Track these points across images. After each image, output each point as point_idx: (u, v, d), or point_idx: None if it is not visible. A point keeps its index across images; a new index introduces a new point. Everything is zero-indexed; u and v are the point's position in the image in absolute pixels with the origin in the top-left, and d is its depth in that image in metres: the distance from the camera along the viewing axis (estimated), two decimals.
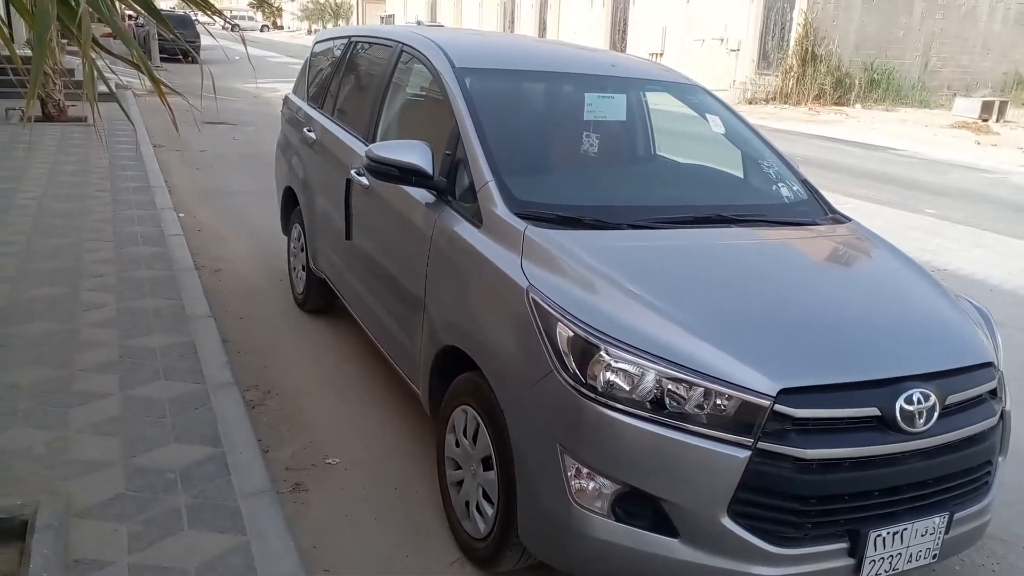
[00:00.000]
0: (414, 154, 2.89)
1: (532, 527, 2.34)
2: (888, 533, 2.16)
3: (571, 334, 2.19)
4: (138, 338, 4.02)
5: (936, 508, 2.25)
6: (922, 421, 2.15)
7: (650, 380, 2.09)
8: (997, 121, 18.85)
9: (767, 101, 21.54)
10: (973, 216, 9.01)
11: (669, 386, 2.08)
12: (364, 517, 2.93)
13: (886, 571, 2.20)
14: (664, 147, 4.00)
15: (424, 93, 3.65)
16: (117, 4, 2.23)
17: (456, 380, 2.75)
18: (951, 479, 2.28)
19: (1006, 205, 9.85)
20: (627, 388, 2.10)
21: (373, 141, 3.67)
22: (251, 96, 15.80)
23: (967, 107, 19.41)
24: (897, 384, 2.17)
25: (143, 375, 3.62)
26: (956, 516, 2.29)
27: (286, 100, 5.41)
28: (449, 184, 2.96)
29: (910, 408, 2.14)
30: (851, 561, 2.15)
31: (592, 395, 2.12)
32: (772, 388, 2.05)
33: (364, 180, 3.55)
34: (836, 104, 21.32)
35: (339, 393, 3.88)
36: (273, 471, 3.11)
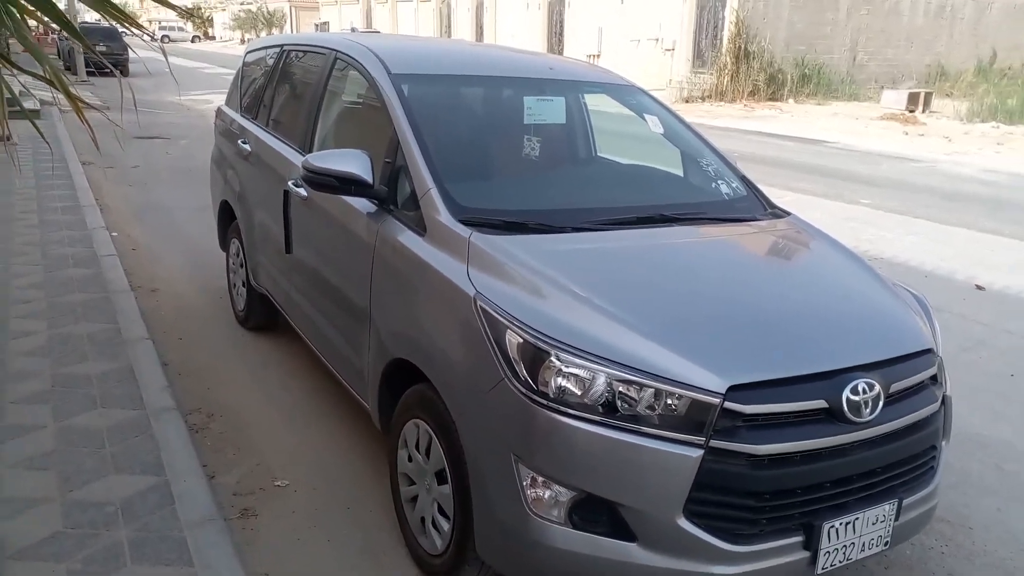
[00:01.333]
0: (352, 163, 2.83)
1: (489, 540, 2.30)
2: (841, 524, 2.18)
3: (521, 340, 2.16)
4: (72, 365, 3.85)
5: (885, 496, 2.29)
6: (868, 411, 2.18)
7: (601, 383, 2.07)
8: (923, 112, 19.50)
9: (703, 99, 21.91)
10: (905, 205, 9.29)
11: (620, 388, 2.07)
12: (317, 539, 2.85)
13: (840, 561, 2.22)
14: (605, 148, 4.01)
15: (361, 101, 3.58)
16: (28, 18, 2.12)
17: (406, 393, 2.70)
18: (898, 466, 2.32)
19: (936, 193, 10.17)
20: (578, 393, 2.08)
21: (310, 151, 3.58)
22: (184, 108, 15.43)
23: (894, 99, 20.03)
24: (842, 375, 2.19)
25: (78, 404, 3.47)
26: (905, 502, 2.33)
27: (219, 112, 5.28)
28: (390, 193, 2.90)
29: (856, 398, 2.16)
30: (807, 554, 2.16)
31: (544, 402, 2.09)
32: (721, 385, 2.05)
33: (302, 191, 3.47)
34: (770, 100, 21.79)
35: (286, 412, 3.78)
36: (220, 497, 3.00)
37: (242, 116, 4.75)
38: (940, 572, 2.86)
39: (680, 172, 3.48)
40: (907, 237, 7.72)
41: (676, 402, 2.05)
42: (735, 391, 2.05)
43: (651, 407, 2.06)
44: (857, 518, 2.21)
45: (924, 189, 10.40)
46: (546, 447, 2.10)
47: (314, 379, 4.07)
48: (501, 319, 2.22)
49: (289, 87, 4.33)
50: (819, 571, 2.19)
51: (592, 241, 2.67)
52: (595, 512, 2.10)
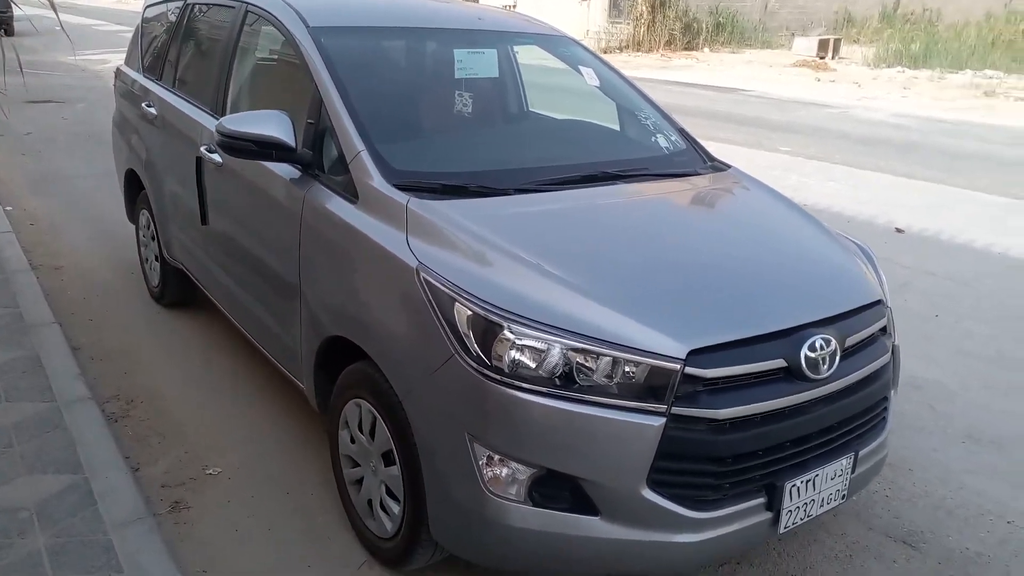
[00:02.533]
0: (272, 125, 2.61)
1: (444, 522, 2.19)
2: (801, 482, 2.15)
3: (470, 313, 2.02)
4: None
5: (842, 450, 2.27)
6: (826, 367, 2.14)
7: (556, 354, 1.96)
8: (833, 58, 19.96)
9: (620, 49, 21.85)
10: (823, 151, 9.47)
11: (577, 359, 1.96)
12: (256, 529, 2.68)
13: (801, 519, 2.20)
14: (538, 104, 3.86)
15: (276, 57, 3.33)
16: None
17: (344, 372, 2.54)
18: (854, 420, 2.30)
19: (850, 138, 10.41)
20: (533, 365, 1.96)
21: (223, 114, 3.33)
22: (79, 69, 14.43)
23: (805, 46, 20.43)
24: (799, 332, 2.14)
25: None
26: (860, 454, 2.32)
27: (118, 72, 4.88)
28: (316, 156, 2.70)
29: (813, 355, 2.12)
30: (769, 515, 2.13)
31: (498, 377, 1.97)
32: (681, 350, 1.97)
33: (216, 157, 3.21)
34: (686, 49, 21.91)
35: (212, 393, 3.55)
36: (147, 491, 2.80)
37: (145, 76, 4.40)
38: (886, 516, 2.90)
39: (617, 126, 3.36)
40: (827, 183, 7.87)
41: (634, 370, 1.97)
42: (695, 355, 1.97)
43: (608, 376, 1.97)
44: (817, 475, 2.19)
45: (839, 135, 10.63)
46: (502, 424, 1.98)
47: (240, 356, 3.85)
48: (448, 291, 2.07)
49: (196, 44, 4.00)
50: (781, 530, 2.17)
51: (536, 203, 2.54)
52: (556, 488, 2.01)
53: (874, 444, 2.39)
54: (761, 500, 2.12)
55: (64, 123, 9.73)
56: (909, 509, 2.94)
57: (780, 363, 2.09)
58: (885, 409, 2.47)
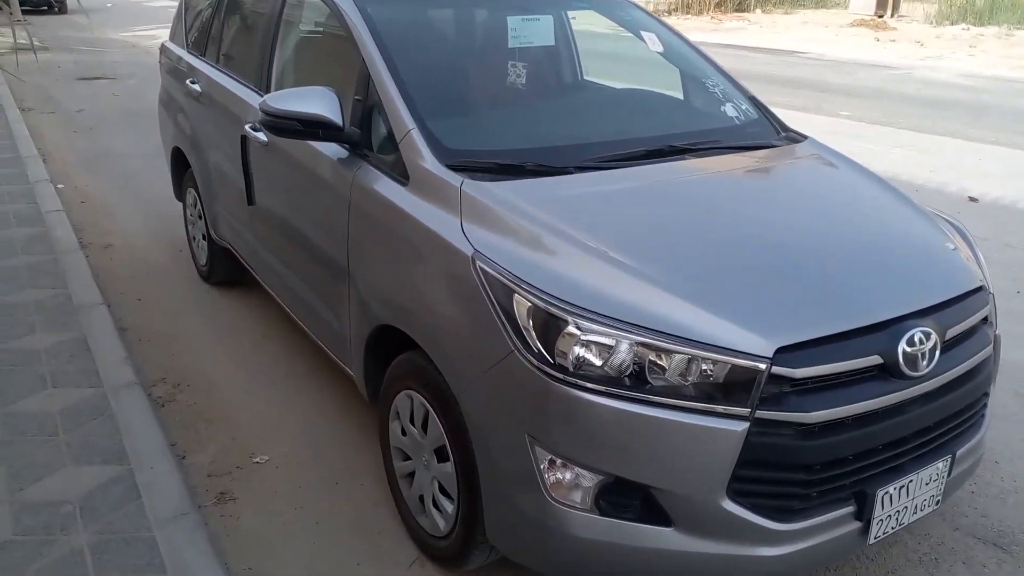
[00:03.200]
0: (318, 103, 2.46)
1: (502, 527, 2.04)
2: (895, 488, 1.96)
3: (531, 305, 1.86)
4: (17, 339, 3.48)
5: (939, 452, 2.07)
6: (925, 363, 1.93)
7: (628, 353, 1.79)
8: (892, 16, 19.12)
9: (669, 12, 21.26)
10: (886, 115, 9.03)
11: (650, 357, 1.79)
12: (304, 523, 2.58)
13: (893, 528, 2.01)
14: (598, 73, 3.63)
15: (322, 30, 3.17)
16: None
17: (395, 362, 2.40)
18: (953, 419, 2.09)
19: (915, 101, 9.92)
20: (600, 364, 1.80)
21: (268, 90, 3.19)
22: (129, 46, 14.51)
23: (863, 5, 19.60)
24: (897, 325, 1.93)
25: (26, 385, 3.12)
26: (957, 455, 2.11)
27: (163, 49, 4.79)
28: (364, 135, 2.54)
29: (912, 350, 1.91)
30: (858, 524, 1.95)
31: (562, 376, 1.80)
32: (768, 348, 1.77)
33: (262, 136, 3.08)
34: (737, 11, 21.23)
35: (261, 377, 3.46)
36: (193, 481, 2.72)
37: (189, 53, 4.29)
38: (972, 514, 2.69)
39: (680, 95, 3.14)
40: (894, 150, 7.48)
41: (712, 369, 1.78)
42: (783, 353, 1.78)
43: (683, 375, 1.79)
44: (911, 480, 1.99)
45: (903, 98, 10.14)
46: (566, 427, 1.82)
47: (291, 338, 3.75)
48: (507, 282, 1.91)
49: (240, 18, 3.87)
50: (871, 540, 1.98)
51: (599, 182, 2.34)
52: (625, 496, 1.85)
53: (972, 443, 2.18)
54: (850, 509, 1.93)
55: (115, 100, 9.76)
56: (998, 507, 2.72)
57: (876, 360, 1.89)
58: (984, 406, 2.25)
